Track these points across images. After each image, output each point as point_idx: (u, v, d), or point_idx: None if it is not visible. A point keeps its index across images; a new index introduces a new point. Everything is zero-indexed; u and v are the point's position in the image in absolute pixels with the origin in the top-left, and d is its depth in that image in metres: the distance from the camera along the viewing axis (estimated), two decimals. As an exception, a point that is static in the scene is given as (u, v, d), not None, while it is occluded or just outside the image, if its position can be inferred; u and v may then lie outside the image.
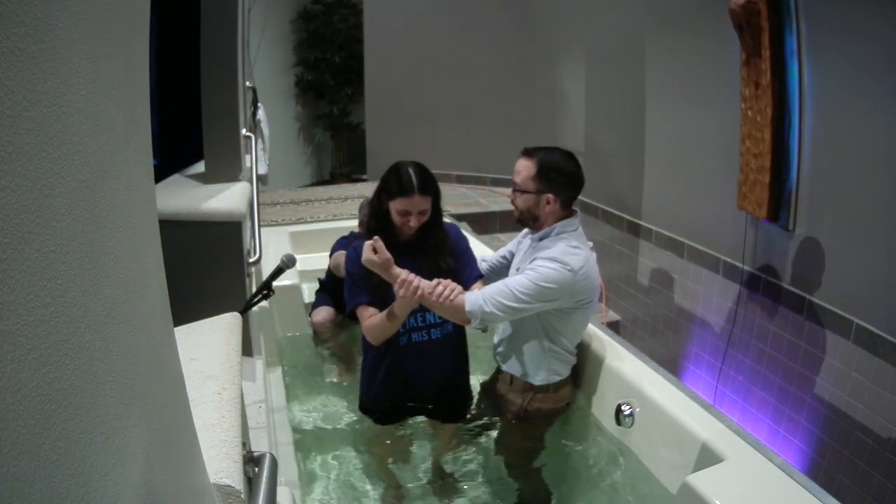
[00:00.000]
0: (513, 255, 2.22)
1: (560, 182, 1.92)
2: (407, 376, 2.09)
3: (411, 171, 1.97)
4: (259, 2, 6.20)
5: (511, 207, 2.06)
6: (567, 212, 1.97)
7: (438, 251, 2.05)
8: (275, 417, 2.17)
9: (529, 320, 1.98)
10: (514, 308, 1.84)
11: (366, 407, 2.24)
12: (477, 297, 1.87)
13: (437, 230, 2.07)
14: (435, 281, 1.88)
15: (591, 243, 2.01)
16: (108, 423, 0.44)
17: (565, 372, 2.10)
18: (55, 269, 0.38)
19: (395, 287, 1.86)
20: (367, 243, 1.88)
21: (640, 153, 3.76)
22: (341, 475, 2.16)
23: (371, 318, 1.98)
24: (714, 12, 2.91)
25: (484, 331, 2.07)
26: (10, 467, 0.32)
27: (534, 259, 1.92)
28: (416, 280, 1.84)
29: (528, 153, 1.97)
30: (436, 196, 2.02)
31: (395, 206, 1.97)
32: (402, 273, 1.85)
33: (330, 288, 2.96)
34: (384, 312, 1.94)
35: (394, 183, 1.97)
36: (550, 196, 1.91)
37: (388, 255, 1.86)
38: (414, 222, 1.97)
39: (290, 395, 2.51)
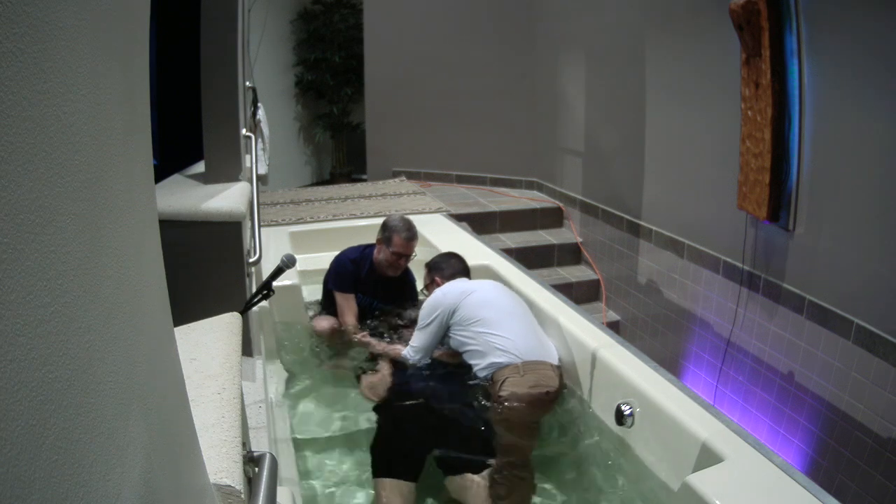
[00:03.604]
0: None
1: (439, 269, 2.85)
2: (421, 395, 2.47)
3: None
4: (259, 2, 6.20)
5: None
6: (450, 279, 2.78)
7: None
8: (275, 417, 2.17)
9: (460, 334, 2.49)
10: (424, 330, 2.55)
11: (388, 454, 2.16)
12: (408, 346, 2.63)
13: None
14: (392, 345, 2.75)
15: (468, 283, 2.72)
16: (108, 423, 0.44)
17: (501, 358, 2.34)
18: (55, 269, 0.38)
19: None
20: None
21: (640, 153, 3.76)
22: (341, 475, 2.16)
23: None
24: (714, 12, 2.91)
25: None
26: (10, 467, 0.32)
27: None
28: (375, 343, 2.78)
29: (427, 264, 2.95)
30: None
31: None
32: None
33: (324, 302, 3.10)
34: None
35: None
36: (437, 279, 2.81)
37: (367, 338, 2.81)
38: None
39: (290, 394, 2.51)
